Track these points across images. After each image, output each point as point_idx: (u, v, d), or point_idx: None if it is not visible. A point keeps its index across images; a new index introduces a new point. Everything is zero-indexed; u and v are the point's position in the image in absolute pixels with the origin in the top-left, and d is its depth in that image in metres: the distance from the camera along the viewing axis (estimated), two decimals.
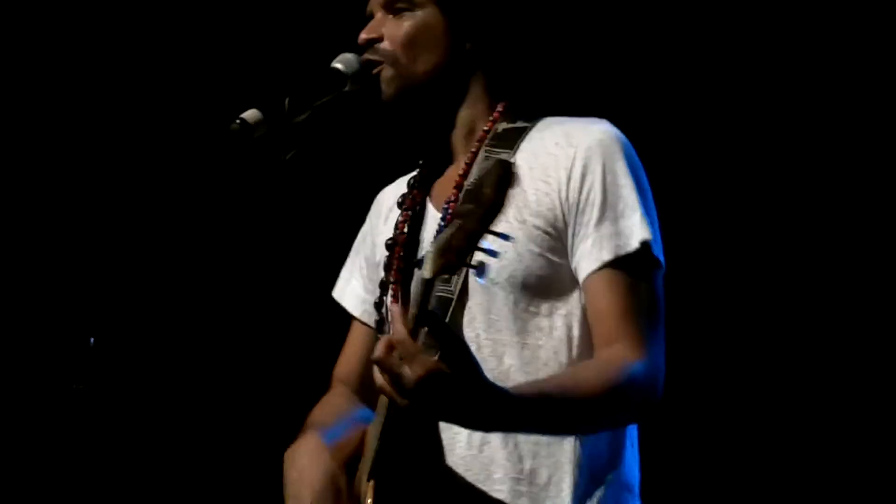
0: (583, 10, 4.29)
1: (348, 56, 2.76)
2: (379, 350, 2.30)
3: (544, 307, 2.60)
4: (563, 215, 2.60)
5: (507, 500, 2.57)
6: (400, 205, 2.84)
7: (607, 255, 2.56)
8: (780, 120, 4.22)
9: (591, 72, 4.25)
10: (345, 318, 2.97)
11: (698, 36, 4.25)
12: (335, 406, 2.82)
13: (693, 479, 4.18)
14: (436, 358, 2.28)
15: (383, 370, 2.30)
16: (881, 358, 4.16)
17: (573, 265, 2.60)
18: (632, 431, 2.67)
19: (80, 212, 4.52)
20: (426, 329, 2.32)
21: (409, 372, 2.27)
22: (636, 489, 2.66)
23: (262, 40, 4.54)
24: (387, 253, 2.80)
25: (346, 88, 2.74)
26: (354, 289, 2.94)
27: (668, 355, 2.58)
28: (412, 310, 2.36)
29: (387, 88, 2.74)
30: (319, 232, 4.53)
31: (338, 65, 2.74)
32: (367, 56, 2.75)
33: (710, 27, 4.24)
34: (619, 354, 2.51)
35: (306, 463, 2.63)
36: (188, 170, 3.80)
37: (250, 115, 2.65)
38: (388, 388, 2.31)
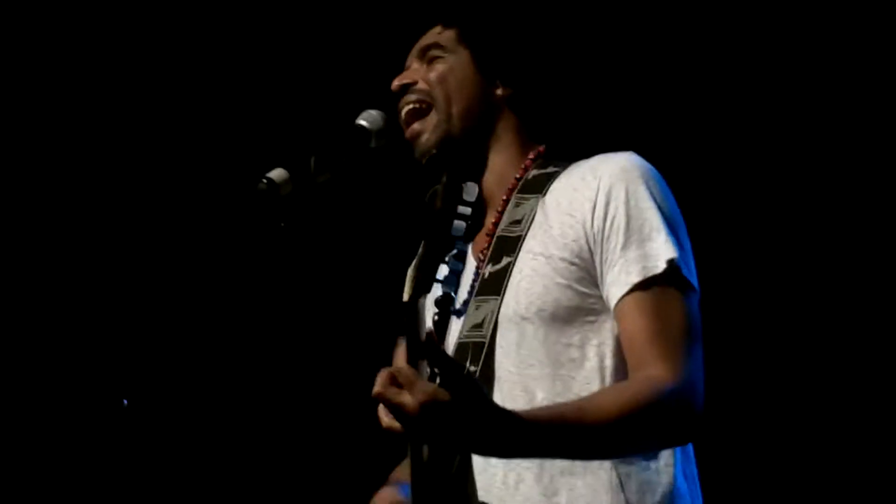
0: (616, 55, 4.30)
1: (372, 112, 2.78)
2: (379, 383, 2.29)
3: (576, 339, 2.57)
4: (590, 245, 2.58)
5: None
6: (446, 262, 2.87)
7: (635, 278, 2.52)
8: (807, 138, 4.23)
9: (624, 116, 4.25)
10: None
11: (730, 68, 4.26)
12: None
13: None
14: (436, 384, 2.27)
15: (385, 402, 2.28)
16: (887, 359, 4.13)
17: (604, 294, 2.57)
18: (686, 462, 2.60)
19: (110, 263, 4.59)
20: (426, 360, 2.30)
21: (409, 400, 2.25)
22: None
23: (289, 98, 4.59)
24: (437, 310, 2.79)
25: (372, 145, 2.77)
26: None
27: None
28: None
29: (431, 136, 2.75)
30: (344, 288, 4.57)
31: (362, 121, 2.76)
32: (406, 99, 2.77)
33: (744, 57, 4.25)
34: (649, 376, 2.46)
35: None
36: (217, 228, 3.82)
37: (277, 174, 2.67)
38: (394, 424, 2.30)
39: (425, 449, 2.40)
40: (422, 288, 2.36)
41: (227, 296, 4.44)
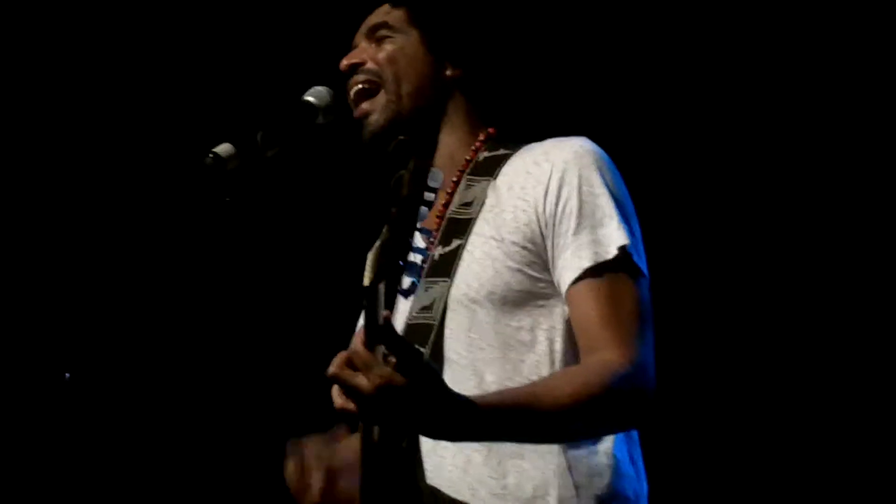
0: (567, 36, 4.30)
1: (320, 89, 2.78)
2: (334, 364, 2.29)
3: (526, 322, 2.58)
4: (541, 229, 2.59)
5: None
6: None
7: (587, 263, 2.54)
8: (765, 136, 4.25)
9: (575, 97, 4.25)
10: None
11: (681, 52, 4.28)
12: None
13: (688, 481, 4.17)
14: (391, 368, 2.27)
15: (340, 383, 2.29)
16: (874, 359, 4.17)
17: (555, 279, 2.58)
18: (631, 445, 2.63)
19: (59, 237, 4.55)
20: (383, 345, 2.30)
21: (364, 382, 2.26)
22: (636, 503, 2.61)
23: (237, 74, 4.56)
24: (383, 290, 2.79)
25: (319, 121, 2.76)
26: None
27: (660, 360, 2.55)
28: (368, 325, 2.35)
29: (379, 116, 2.74)
30: (293, 264, 4.56)
31: (309, 98, 2.76)
32: (355, 79, 2.77)
33: (696, 43, 4.26)
34: (601, 360, 2.48)
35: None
36: (163, 202, 3.80)
37: (223, 148, 2.67)
38: (347, 405, 2.31)
39: (376, 430, 2.40)
40: (383, 273, 2.35)
41: (174, 270, 4.42)
